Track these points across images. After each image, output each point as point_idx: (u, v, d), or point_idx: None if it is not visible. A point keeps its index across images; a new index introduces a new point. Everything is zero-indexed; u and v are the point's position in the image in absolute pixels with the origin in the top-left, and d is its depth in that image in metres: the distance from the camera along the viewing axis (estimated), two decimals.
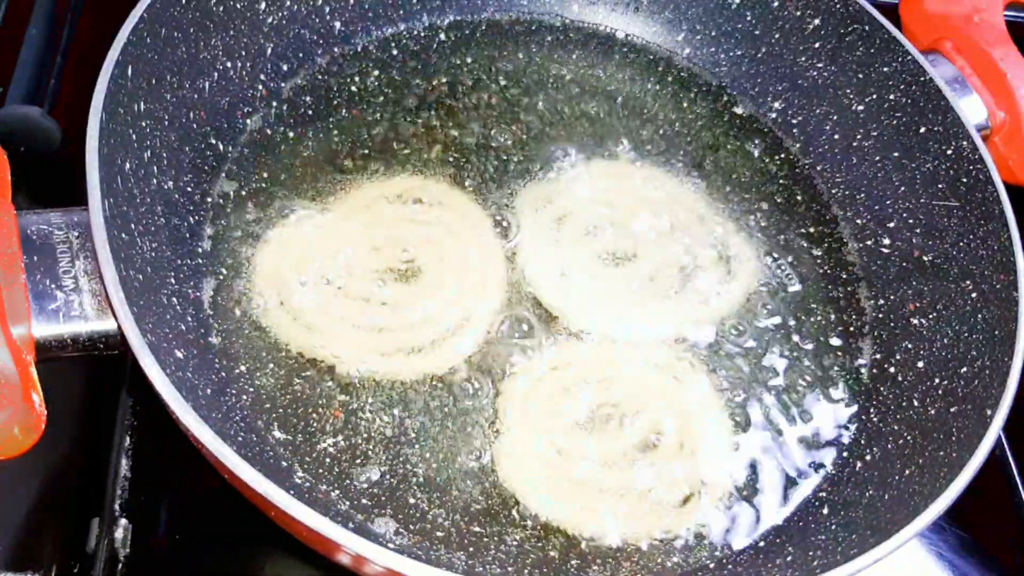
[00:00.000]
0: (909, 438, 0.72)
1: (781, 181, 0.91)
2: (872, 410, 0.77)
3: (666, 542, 0.68)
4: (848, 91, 0.90)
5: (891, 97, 0.87)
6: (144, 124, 0.70)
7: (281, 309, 0.73)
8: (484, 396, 0.72)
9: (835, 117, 0.91)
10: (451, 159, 0.85)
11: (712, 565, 0.68)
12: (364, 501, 0.66)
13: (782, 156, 0.93)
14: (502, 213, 0.83)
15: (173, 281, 0.69)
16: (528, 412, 0.72)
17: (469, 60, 0.94)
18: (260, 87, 0.85)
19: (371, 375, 0.72)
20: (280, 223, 0.78)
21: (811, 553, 0.65)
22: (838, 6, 0.89)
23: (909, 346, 0.79)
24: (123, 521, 0.71)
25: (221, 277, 0.74)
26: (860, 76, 0.89)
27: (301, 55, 0.88)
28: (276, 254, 0.76)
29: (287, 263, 0.76)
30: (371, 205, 0.81)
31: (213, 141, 0.80)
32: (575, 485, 0.69)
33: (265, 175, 0.81)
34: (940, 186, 0.82)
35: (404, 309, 0.75)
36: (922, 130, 0.84)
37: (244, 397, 0.69)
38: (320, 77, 0.89)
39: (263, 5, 0.84)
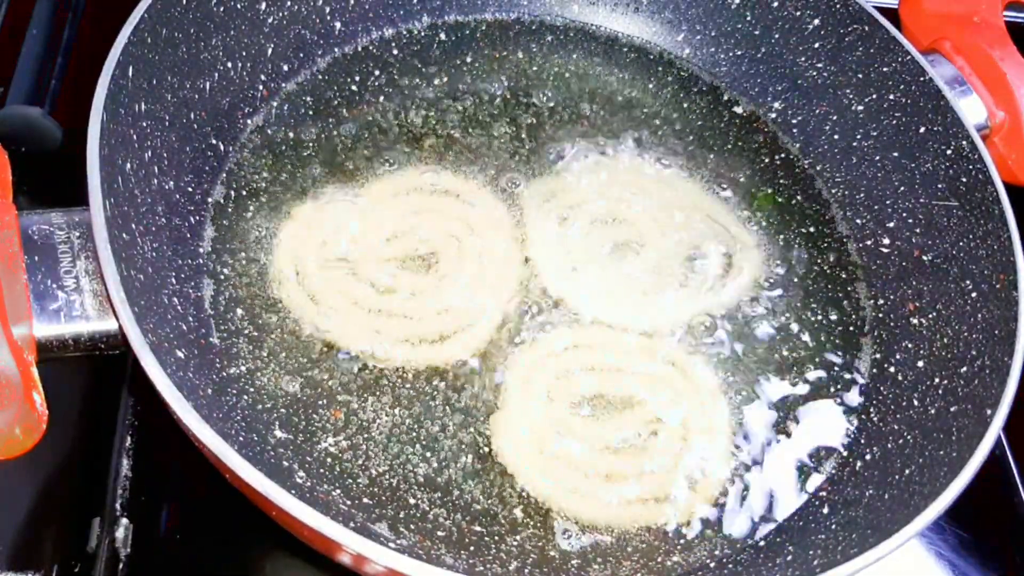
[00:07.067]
0: (909, 438, 0.72)
1: (781, 181, 0.91)
2: (872, 410, 0.77)
3: (664, 539, 0.68)
4: (848, 91, 0.90)
5: (891, 97, 0.87)
6: (145, 124, 0.70)
7: (297, 286, 0.75)
8: (488, 394, 0.72)
9: (835, 117, 0.91)
10: (452, 157, 0.85)
11: (712, 564, 0.68)
12: (365, 500, 0.66)
13: (782, 156, 0.93)
14: (507, 208, 0.83)
15: (174, 281, 0.69)
16: (529, 391, 0.72)
17: (469, 60, 0.94)
18: (261, 87, 0.85)
19: (376, 364, 0.72)
20: (282, 221, 0.78)
21: (811, 552, 0.65)
22: (838, 6, 0.89)
23: (909, 346, 0.79)
24: (124, 521, 0.72)
25: (222, 277, 0.74)
26: (860, 76, 0.89)
27: (302, 55, 0.88)
28: (292, 237, 0.78)
29: (306, 243, 0.77)
30: (379, 200, 0.81)
31: (214, 141, 0.80)
32: (567, 465, 0.70)
33: (266, 175, 0.81)
34: (940, 186, 0.82)
35: (420, 298, 0.76)
36: (922, 130, 0.84)
37: (245, 397, 0.69)
38: (320, 77, 0.89)
39: (263, 5, 0.84)
